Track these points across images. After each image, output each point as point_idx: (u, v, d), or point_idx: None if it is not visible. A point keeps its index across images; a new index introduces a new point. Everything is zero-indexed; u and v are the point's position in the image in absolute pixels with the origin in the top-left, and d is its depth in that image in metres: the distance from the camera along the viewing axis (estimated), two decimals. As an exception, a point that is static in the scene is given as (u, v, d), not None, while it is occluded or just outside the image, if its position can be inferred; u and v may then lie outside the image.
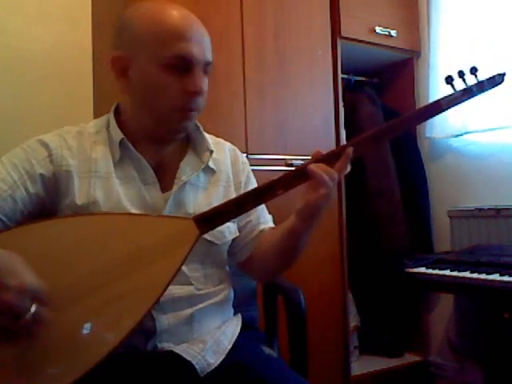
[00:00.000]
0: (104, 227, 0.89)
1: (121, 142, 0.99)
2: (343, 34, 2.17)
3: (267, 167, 1.84)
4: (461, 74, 0.95)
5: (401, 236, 2.30)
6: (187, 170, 1.03)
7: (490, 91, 0.97)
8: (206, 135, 1.08)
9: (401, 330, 2.42)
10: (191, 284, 0.99)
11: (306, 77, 2.05)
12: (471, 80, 0.96)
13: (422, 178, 2.42)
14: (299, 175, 0.92)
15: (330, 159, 0.91)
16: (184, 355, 0.90)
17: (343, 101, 2.19)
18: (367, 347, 2.39)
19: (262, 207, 1.14)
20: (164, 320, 0.94)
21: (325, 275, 2.02)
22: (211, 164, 1.06)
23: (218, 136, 1.16)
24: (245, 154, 1.36)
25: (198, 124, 1.07)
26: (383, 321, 2.41)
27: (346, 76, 2.37)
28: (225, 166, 1.10)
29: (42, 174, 0.94)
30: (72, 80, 2.03)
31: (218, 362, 0.93)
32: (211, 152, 1.06)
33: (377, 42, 2.31)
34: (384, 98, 2.56)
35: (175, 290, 0.95)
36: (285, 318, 1.19)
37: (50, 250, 0.85)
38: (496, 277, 1.60)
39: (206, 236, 0.96)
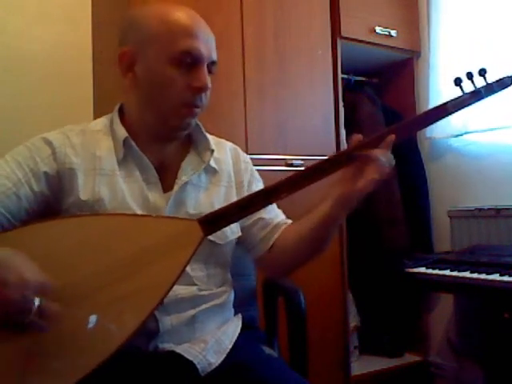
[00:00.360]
0: (108, 228, 0.89)
1: (124, 141, 0.99)
2: (343, 34, 2.17)
3: (267, 167, 1.83)
4: (469, 76, 0.94)
5: (401, 236, 2.30)
6: (188, 169, 1.03)
7: (498, 94, 0.96)
8: (208, 135, 1.08)
9: (401, 330, 2.42)
10: (194, 284, 0.99)
11: (306, 77, 2.04)
12: (479, 82, 0.94)
13: (421, 177, 2.42)
14: (339, 161, 0.92)
15: (373, 145, 0.92)
16: (185, 355, 0.90)
17: (343, 101, 2.19)
18: (367, 347, 2.39)
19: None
20: (167, 321, 0.94)
21: (325, 275, 2.02)
22: (212, 163, 1.06)
23: (218, 136, 1.15)
24: (245, 154, 1.36)
25: (199, 123, 1.07)
26: (383, 321, 2.41)
27: (345, 76, 2.37)
28: (226, 166, 1.10)
29: (45, 172, 0.94)
30: (72, 80, 2.03)
31: (219, 362, 0.93)
32: (212, 151, 1.06)
33: (377, 41, 2.31)
34: (384, 98, 2.55)
35: (179, 290, 0.95)
36: (285, 318, 1.19)
37: (54, 250, 0.85)
38: (496, 277, 1.59)
39: (209, 236, 0.96)
